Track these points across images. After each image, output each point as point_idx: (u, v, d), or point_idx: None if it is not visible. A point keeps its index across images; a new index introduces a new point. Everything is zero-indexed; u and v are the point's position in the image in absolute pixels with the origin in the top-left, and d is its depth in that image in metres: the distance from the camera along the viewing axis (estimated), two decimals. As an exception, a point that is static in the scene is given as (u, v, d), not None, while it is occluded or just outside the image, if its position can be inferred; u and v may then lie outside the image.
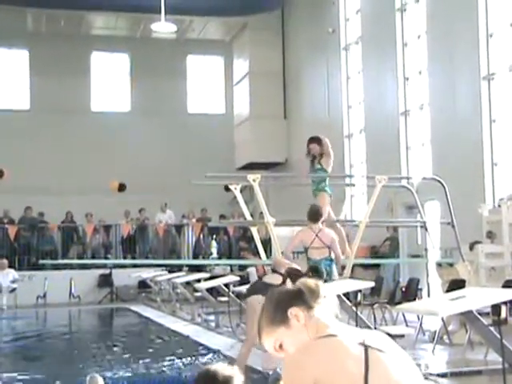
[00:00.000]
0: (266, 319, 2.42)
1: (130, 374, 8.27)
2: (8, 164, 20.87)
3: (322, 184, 10.00)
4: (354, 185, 16.10)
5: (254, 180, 9.71)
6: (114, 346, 11.58)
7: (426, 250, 11.84)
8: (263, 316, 2.44)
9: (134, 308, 17.29)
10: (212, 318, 13.25)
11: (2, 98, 24.00)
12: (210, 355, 9.48)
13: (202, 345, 10.41)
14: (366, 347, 2.27)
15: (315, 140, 10.24)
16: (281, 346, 2.40)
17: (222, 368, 2.42)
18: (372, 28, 18.23)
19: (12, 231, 20.59)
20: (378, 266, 15.81)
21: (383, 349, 2.30)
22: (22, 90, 24.08)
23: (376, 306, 10.77)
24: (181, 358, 9.28)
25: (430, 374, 7.18)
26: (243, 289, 11.72)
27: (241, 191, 10.92)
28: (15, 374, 8.65)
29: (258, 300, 7.36)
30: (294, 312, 2.37)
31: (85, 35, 24.01)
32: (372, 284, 8.75)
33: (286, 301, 2.40)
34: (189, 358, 9.30)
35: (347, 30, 19.85)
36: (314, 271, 7.39)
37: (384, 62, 17.56)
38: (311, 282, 2.46)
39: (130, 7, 22.09)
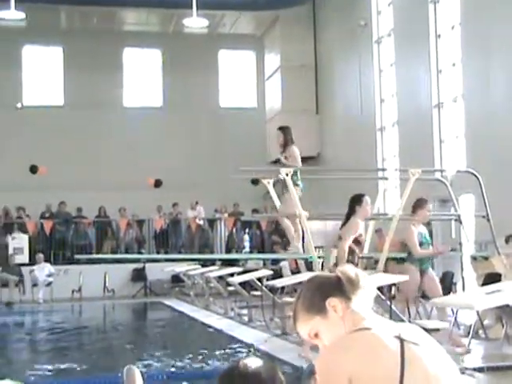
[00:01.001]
0: (302, 305, 2.38)
1: (164, 367, 8.32)
2: (43, 160, 21.17)
3: (294, 178, 9.90)
4: (386, 178, 15.98)
5: (286, 174, 9.70)
6: (149, 339, 11.68)
7: (460, 243, 11.72)
8: (300, 301, 2.40)
9: (167, 302, 17.39)
10: (245, 312, 13.25)
11: (37, 94, 24.27)
12: (244, 349, 9.50)
13: (235, 339, 10.42)
14: (402, 341, 2.25)
15: (281, 129, 10.30)
16: (316, 335, 2.38)
17: (253, 363, 2.16)
18: (404, 20, 18.07)
19: (47, 226, 20.84)
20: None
21: (419, 342, 2.28)
22: (56, 87, 24.32)
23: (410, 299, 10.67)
24: (214, 352, 9.30)
25: (466, 369, 7.11)
26: (276, 283, 11.73)
27: (273, 185, 10.93)
28: (52, 366, 8.77)
29: None
30: (333, 303, 2.33)
31: (117, 31, 24.18)
32: (406, 278, 8.68)
33: (324, 290, 2.36)
34: (222, 352, 9.33)
35: (379, 22, 19.71)
36: None
37: (417, 55, 17.40)
38: (351, 271, 2.41)
39: (161, 3, 22.22)
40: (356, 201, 8.43)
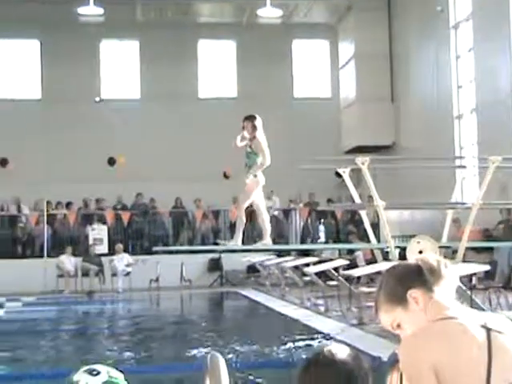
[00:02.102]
0: (384, 296, 2.35)
1: (244, 356, 8.37)
2: (121, 152, 21.61)
3: (251, 171, 9.77)
4: (464, 167, 15.67)
5: (362, 163, 9.64)
6: (227, 328, 11.81)
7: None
8: (381, 292, 2.36)
9: (243, 292, 17.51)
10: (321, 302, 13.24)
11: (115, 87, 24.75)
12: (320, 339, 9.50)
13: (311, 328, 10.42)
14: (489, 330, 2.21)
15: (248, 118, 10.08)
16: (398, 326, 2.35)
17: (339, 350, 2.08)
18: (483, 4, 17.61)
19: (125, 217, 21.28)
20: (491, 249, 15.35)
21: (505, 331, 2.23)
22: (133, 80, 24.75)
23: (490, 290, 10.46)
24: (291, 342, 9.33)
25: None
26: (353, 272, 11.67)
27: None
28: (132, 354, 8.97)
29: None
30: (414, 294, 2.29)
31: (192, 24, 24.38)
32: (487, 267, 8.52)
33: (406, 281, 2.31)
34: (299, 342, 9.35)
35: (456, 7, 19.28)
36: None
37: (496, 38, 16.93)
38: (433, 259, 2.36)
39: (235, -6, 22.35)
40: None
